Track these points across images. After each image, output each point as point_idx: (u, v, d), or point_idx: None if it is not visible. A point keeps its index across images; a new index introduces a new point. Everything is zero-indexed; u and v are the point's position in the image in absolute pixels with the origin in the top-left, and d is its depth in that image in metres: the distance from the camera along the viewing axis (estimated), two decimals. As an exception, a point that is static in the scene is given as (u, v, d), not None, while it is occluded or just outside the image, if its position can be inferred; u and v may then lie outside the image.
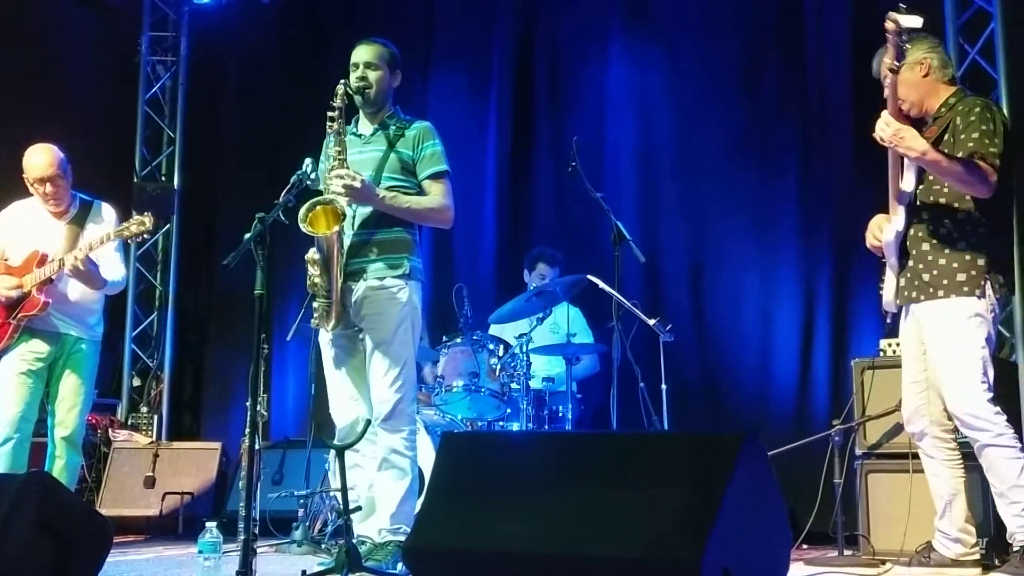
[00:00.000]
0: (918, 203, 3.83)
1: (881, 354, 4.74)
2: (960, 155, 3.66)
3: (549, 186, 6.86)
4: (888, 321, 4.13)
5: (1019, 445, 3.67)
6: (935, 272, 3.75)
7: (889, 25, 3.48)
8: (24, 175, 4.96)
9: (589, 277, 5.19)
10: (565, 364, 5.54)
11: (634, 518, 2.60)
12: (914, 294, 3.83)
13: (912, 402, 3.97)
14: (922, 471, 4.26)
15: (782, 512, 2.95)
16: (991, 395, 3.69)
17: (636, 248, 5.00)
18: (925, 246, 3.80)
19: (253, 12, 7.77)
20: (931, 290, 3.76)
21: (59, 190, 4.95)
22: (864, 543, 4.50)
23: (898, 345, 4.67)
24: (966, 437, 3.79)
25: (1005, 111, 5.55)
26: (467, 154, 6.50)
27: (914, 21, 3.46)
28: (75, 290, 4.93)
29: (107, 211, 5.13)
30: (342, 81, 4.18)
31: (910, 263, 3.84)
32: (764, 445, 2.84)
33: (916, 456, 4.35)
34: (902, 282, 3.88)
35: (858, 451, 4.64)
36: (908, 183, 3.81)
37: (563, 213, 6.70)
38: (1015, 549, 3.69)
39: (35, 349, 4.86)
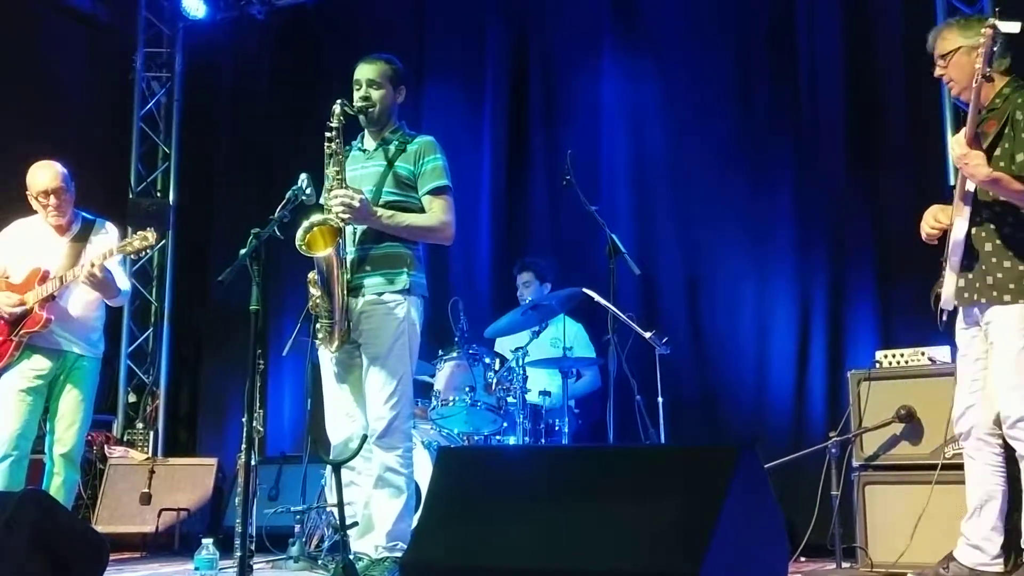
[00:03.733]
0: (980, 202, 3.74)
1: (877, 365, 4.74)
2: (1020, 157, 3.60)
3: (544, 199, 6.87)
4: (943, 319, 3.96)
5: None
6: (999, 275, 3.68)
7: (987, 31, 3.45)
8: (28, 191, 4.98)
9: (585, 290, 5.18)
10: (561, 378, 5.54)
11: (631, 532, 2.59)
12: (976, 296, 3.74)
13: (964, 400, 3.87)
14: (919, 483, 4.28)
15: (779, 525, 2.94)
16: None
17: (631, 261, 5.00)
18: (988, 246, 3.71)
19: (247, 28, 7.80)
20: (995, 294, 3.68)
21: (63, 203, 4.97)
22: (862, 555, 4.49)
23: (894, 356, 4.70)
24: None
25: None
26: (462, 168, 6.46)
27: (1013, 27, 3.44)
28: (77, 306, 4.93)
29: (110, 228, 5.16)
30: (339, 100, 4.16)
31: (975, 264, 3.74)
32: (761, 457, 2.83)
33: (912, 468, 4.37)
34: (962, 283, 3.79)
35: (855, 463, 4.63)
36: (971, 183, 3.72)
37: (558, 226, 6.70)
38: None
39: (36, 366, 4.85)
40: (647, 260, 6.05)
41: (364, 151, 4.37)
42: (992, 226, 3.72)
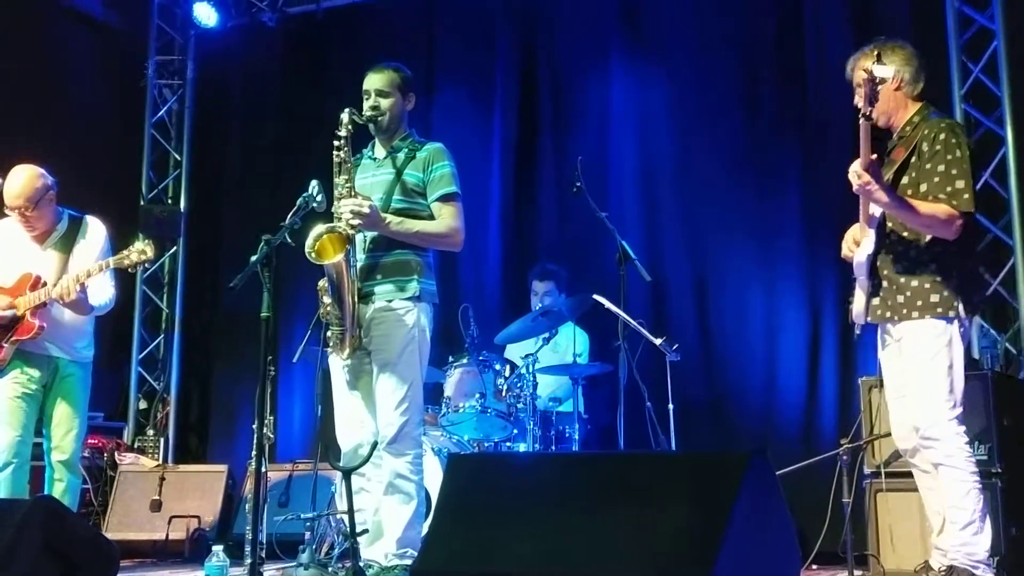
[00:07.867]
0: (888, 227, 3.87)
1: (888, 372, 4.72)
2: (924, 188, 3.73)
3: (553, 205, 6.86)
4: (858, 332, 4.11)
5: (970, 468, 3.63)
6: (908, 294, 3.78)
7: (862, 75, 3.62)
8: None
9: (595, 297, 5.18)
10: (571, 384, 5.53)
11: (641, 539, 2.59)
12: (888, 314, 3.85)
13: (901, 417, 3.91)
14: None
15: (790, 532, 2.94)
16: (955, 413, 3.67)
17: (641, 267, 5.00)
18: (897, 267, 3.83)
19: (258, 35, 7.83)
20: (905, 311, 3.79)
21: (31, 219, 4.85)
22: (873, 562, 4.47)
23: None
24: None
25: (1008, 128, 5.58)
26: (472, 174, 6.48)
27: (886, 72, 3.62)
28: (67, 313, 4.90)
29: (94, 228, 5.03)
30: (347, 109, 4.18)
31: (883, 284, 3.87)
32: (772, 464, 2.83)
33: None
34: (875, 301, 3.90)
35: (867, 470, 4.62)
36: (877, 208, 3.86)
37: (568, 232, 6.69)
38: (941, 570, 3.67)
39: (28, 373, 4.82)
40: (656, 266, 6.03)
41: (374, 159, 4.39)
42: (900, 248, 3.83)
